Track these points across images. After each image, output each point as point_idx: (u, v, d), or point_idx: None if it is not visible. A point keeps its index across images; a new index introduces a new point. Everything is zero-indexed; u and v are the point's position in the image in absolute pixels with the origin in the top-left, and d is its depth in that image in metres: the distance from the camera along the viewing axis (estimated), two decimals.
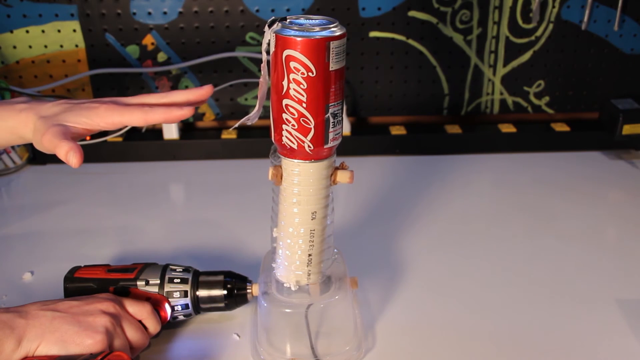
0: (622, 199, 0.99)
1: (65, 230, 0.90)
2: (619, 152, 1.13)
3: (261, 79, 0.57)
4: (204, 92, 0.62)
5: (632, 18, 1.12)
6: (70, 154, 0.55)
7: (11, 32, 1.06)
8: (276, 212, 0.61)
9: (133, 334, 0.62)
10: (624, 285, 0.78)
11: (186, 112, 0.59)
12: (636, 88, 1.18)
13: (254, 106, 1.15)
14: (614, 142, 1.08)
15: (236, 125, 0.62)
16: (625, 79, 1.18)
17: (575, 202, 0.97)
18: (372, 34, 1.10)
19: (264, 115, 1.15)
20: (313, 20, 0.53)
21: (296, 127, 0.54)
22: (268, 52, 0.54)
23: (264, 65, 0.56)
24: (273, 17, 0.53)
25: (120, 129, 1.06)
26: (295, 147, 0.55)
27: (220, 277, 0.69)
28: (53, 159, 1.05)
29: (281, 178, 0.58)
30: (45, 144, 0.56)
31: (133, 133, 1.11)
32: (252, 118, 0.59)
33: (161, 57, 1.10)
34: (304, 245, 0.60)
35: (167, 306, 0.67)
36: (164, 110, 0.59)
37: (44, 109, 0.60)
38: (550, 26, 1.12)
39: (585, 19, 1.11)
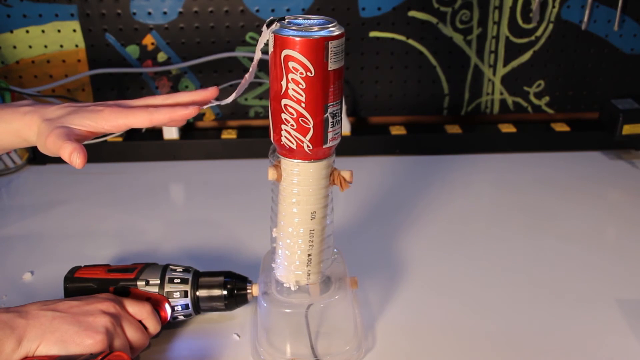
0: (622, 199, 0.99)
1: (65, 231, 0.90)
2: (619, 152, 1.13)
3: (247, 75, 0.57)
4: (208, 93, 0.62)
5: (632, 18, 1.12)
6: (74, 155, 0.55)
7: (11, 32, 1.06)
8: (276, 212, 0.61)
9: (133, 334, 0.62)
10: (624, 285, 0.78)
11: (191, 111, 0.59)
12: (636, 88, 1.18)
13: (254, 106, 1.16)
14: (614, 142, 1.08)
15: (205, 106, 0.62)
16: (625, 79, 1.18)
17: (575, 202, 0.97)
18: (372, 34, 1.10)
19: (264, 115, 1.16)
20: (311, 20, 0.53)
21: (295, 127, 0.54)
22: (265, 52, 0.54)
23: (254, 64, 0.56)
24: (271, 17, 0.53)
25: None
26: (295, 147, 0.55)
27: (220, 278, 0.69)
28: (53, 159, 1.05)
29: (280, 177, 0.58)
30: (49, 146, 0.56)
31: (133, 133, 1.11)
32: (224, 101, 0.59)
33: (161, 57, 1.10)
34: (304, 245, 0.60)
35: (167, 306, 0.67)
36: (168, 110, 0.59)
37: (48, 111, 0.60)
38: (550, 26, 1.12)
39: (585, 19, 1.11)
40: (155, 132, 1.12)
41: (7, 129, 0.60)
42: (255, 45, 1.09)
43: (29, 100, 0.63)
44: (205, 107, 0.61)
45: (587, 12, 1.10)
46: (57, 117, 0.59)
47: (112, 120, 0.58)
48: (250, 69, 0.57)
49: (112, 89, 1.12)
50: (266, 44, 0.54)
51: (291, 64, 0.52)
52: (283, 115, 0.54)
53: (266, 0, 1.06)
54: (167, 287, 0.67)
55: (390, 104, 1.17)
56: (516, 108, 1.19)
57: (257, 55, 0.56)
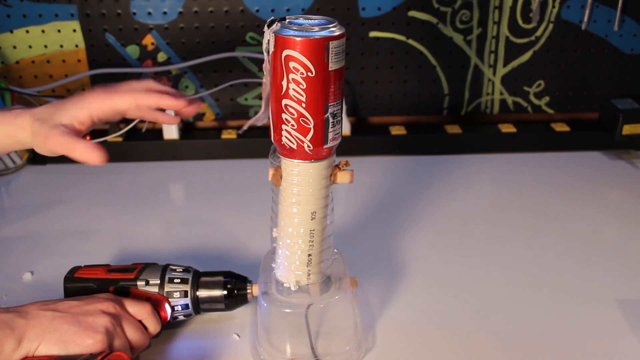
0: (622, 199, 0.99)
1: (65, 230, 0.90)
2: (619, 152, 1.13)
3: (264, 79, 0.57)
4: (191, 109, 0.63)
5: (632, 18, 1.12)
6: (91, 152, 0.55)
7: (11, 32, 1.06)
8: (276, 212, 0.61)
9: (133, 334, 0.62)
10: (624, 285, 0.78)
11: (179, 104, 0.59)
12: (636, 88, 1.18)
13: (254, 106, 1.15)
14: (614, 142, 1.08)
15: (245, 127, 0.62)
16: (625, 79, 1.18)
17: (575, 202, 0.97)
18: (372, 34, 1.10)
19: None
20: (312, 20, 0.53)
21: (295, 127, 0.54)
22: (269, 52, 0.54)
23: (265, 66, 0.56)
24: (272, 17, 0.53)
25: (120, 129, 1.06)
26: (295, 147, 0.55)
27: (220, 278, 0.69)
28: (53, 158, 1.05)
29: (280, 178, 0.58)
30: (53, 147, 0.57)
31: (133, 133, 1.11)
32: (260, 119, 0.59)
33: (161, 57, 1.10)
34: (304, 245, 0.60)
35: (167, 306, 0.67)
36: (155, 96, 0.59)
37: (38, 111, 0.61)
38: (550, 26, 1.12)
39: (585, 19, 1.11)
40: (155, 132, 1.12)
41: (0, 132, 0.61)
42: (255, 45, 1.09)
43: (20, 105, 0.65)
44: (246, 127, 0.61)
45: (587, 12, 1.10)
46: (48, 115, 0.60)
47: (97, 103, 0.59)
48: (265, 73, 0.57)
49: None
50: (268, 44, 0.53)
51: (292, 64, 0.52)
52: (283, 115, 0.54)
53: (266, 0, 1.06)
54: (167, 287, 0.67)
55: (390, 104, 1.17)
56: (516, 108, 1.19)
57: (266, 57, 0.55)
